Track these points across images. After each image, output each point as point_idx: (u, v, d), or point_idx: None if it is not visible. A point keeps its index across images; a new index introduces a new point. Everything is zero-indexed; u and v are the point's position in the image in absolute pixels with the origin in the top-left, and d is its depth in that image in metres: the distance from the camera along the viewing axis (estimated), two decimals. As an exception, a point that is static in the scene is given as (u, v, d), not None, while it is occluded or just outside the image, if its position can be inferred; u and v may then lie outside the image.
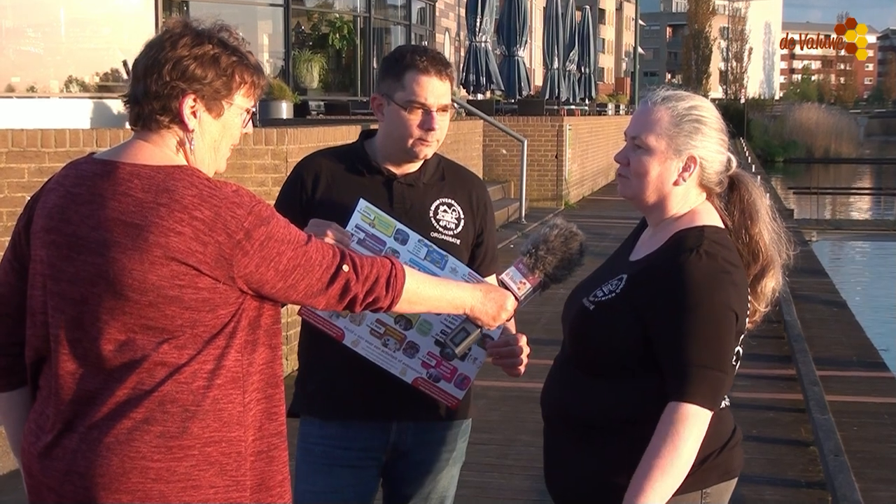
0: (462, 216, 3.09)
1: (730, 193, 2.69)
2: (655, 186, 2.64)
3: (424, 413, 3.01)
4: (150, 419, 2.21)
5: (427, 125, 2.97)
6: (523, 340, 2.94)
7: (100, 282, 2.22)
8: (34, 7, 11.59)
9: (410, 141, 2.99)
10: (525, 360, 2.94)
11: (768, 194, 2.80)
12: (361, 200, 2.90)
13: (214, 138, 2.35)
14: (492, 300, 2.62)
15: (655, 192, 2.64)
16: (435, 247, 2.91)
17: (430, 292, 2.49)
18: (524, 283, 2.70)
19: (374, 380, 2.91)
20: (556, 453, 2.71)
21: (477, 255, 3.13)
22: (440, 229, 3.05)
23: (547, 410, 2.74)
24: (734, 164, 2.69)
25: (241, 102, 2.36)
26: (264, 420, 2.34)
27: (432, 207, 3.07)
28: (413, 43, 21.29)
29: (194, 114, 2.29)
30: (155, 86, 2.26)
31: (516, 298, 2.69)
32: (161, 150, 2.29)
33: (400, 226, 2.89)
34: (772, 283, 2.69)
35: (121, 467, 2.20)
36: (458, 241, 3.06)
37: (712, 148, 2.63)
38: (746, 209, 2.67)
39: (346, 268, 2.33)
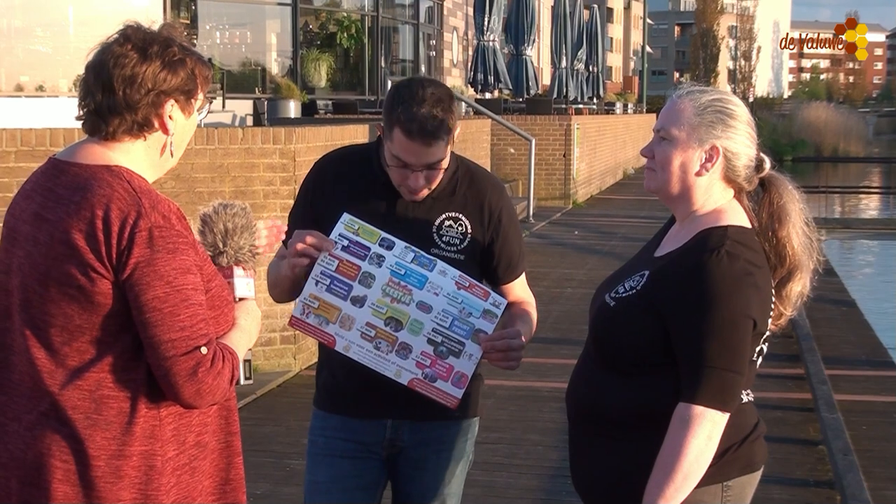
0: (469, 230, 3.04)
1: (761, 194, 2.68)
2: (678, 177, 2.63)
3: (420, 412, 3.00)
4: (58, 418, 2.22)
5: (410, 184, 2.94)
6: (517, 335, 2.93)
7: (18, 274, 2.27)
8: (43, 6, 11.62)
9: (398, 187, 2.98)
10: (518, 356, 2.92)
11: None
12: (345, 214, 2.91)
13: (183, 137, 2.39)
14: (252, 321, 2.48)
15: (679, 183, 2.64)
16: (422, 252, 2.91)
17: (240, 354, 2.39)
18: (244, 281, 2.53)
19: (371, 378, 2.90)
20: (580, 450, 2.72)
21: (490, 265, 3.10)
22: (442, 245, 3.01)
23: (571, 407, 2.74)
24: (768, 164, 2.67)
25: (202, 97, 2.40)
26: (186, 432, 2.31)
27: (437, 222, 3.03)
28: (422, 44, 21.30)
29: (171, 117, 2.33)
30: (137, 95, 2.27)
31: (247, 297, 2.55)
32: (104, 152, 2.31)
33: (385, 234, 2.90)
34: (798, 287, 2.67)
35: (34, 461, 2.22)
36: (462, 257, 3.02)
37: (737, 139, 2.62)
38: (776, 212, 2.65)
39: (204, 350, 2.23)
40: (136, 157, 2.32)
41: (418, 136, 2.85)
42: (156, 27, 2.36)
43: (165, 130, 2.33)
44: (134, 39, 2.30)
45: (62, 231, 2.20)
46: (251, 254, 2.51)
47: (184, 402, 2.25)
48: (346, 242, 2.88)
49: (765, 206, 2.67)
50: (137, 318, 2.21)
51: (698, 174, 2.62)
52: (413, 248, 2.90)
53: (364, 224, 2.90)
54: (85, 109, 2.32)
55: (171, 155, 2.37)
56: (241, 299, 2.48)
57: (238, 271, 2.48)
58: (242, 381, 2.45)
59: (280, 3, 16.37)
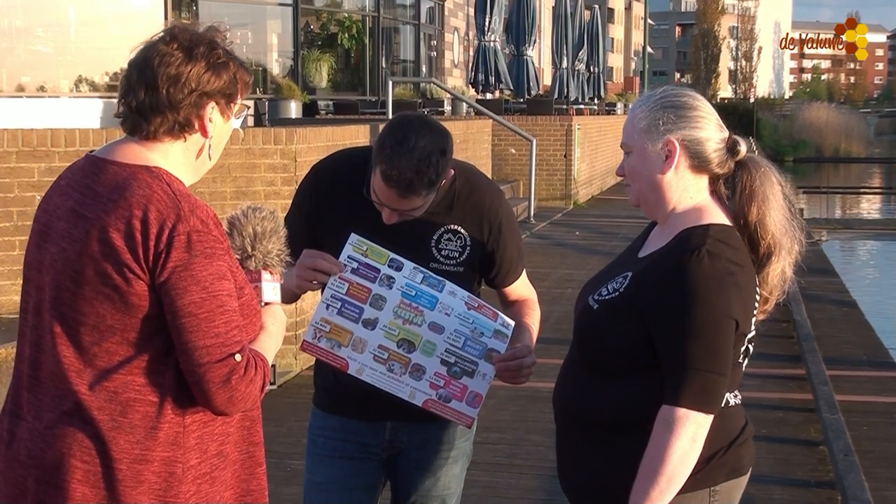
0: (468, 243, 3.03)
1: (736, 179, 2.63)
2: (647, 182, 2.61)
3: (419, 414, 2.98)
4: (81, 418, 2.20)
5: (384, 217, 2.92)
6: (529, 353, 2.94)
7: (51, 270, 2.25)
8: (44, 6, 11.62)
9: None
10: (528, 372, 2.94)
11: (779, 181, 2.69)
12: (353, 235, 2.90)
13: (220, 140, 2.38)
14: (279, 325, 2.47)
15: (649, 188, 2.62)
16: (430, 272, 2.91)
17: (269, 360, 2.38)
18: (271, 285, 2.50)
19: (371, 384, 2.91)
20: (567, 451, 2.71)
21: (489, 272, 3.11)
22: (441, 259, 3.01)
23: (557, 409, 2.73)
24: (743, 147, 2.62)
25: (240, 102, 2.40)
26: (209, 441, 2.30)
27: (435, 236, 3.01)
28: (423, 44, 21.29)
29: (210, 120, 2.32)
30: (180, 95, 2.26)
31: (269, 301, 2.51)
32: (143, 152, 2.29)
33: (393, 255, 2.90)
34: (777, 270, 2.61)
35: (53, 461, 2.21)
36: (461, 269, 3.02)
37: (694, 126, 2.58)
38: (747, 194, 2.60)
39: (238, 357, 2.21)
40: (175, 159, 2.31)
41: (395, 186, 2.83)
42: (200, 28, 2.35)
43: (205, 133, 2.32)
44: (180, 39, 2.29)
45: (100, 229, 2.18)
46: (279, 258, 2.49)
47: (215, 409, 2.24)
48: (355, 265, 2.88)
49: (737, 191, 2.62)
50: (172, 322, 2.19)
51: (662, 172, 2.59)
52: (422, 268, 2.90)
53: (372, 245, 2.89)
54: (125, 107, 2.30)
55: (209, 158, 2.36)
56: (266, 304, 2.46)
57: (266, 275, 2.46)
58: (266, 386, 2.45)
59: (281, 4, 16.38)
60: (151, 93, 2.25)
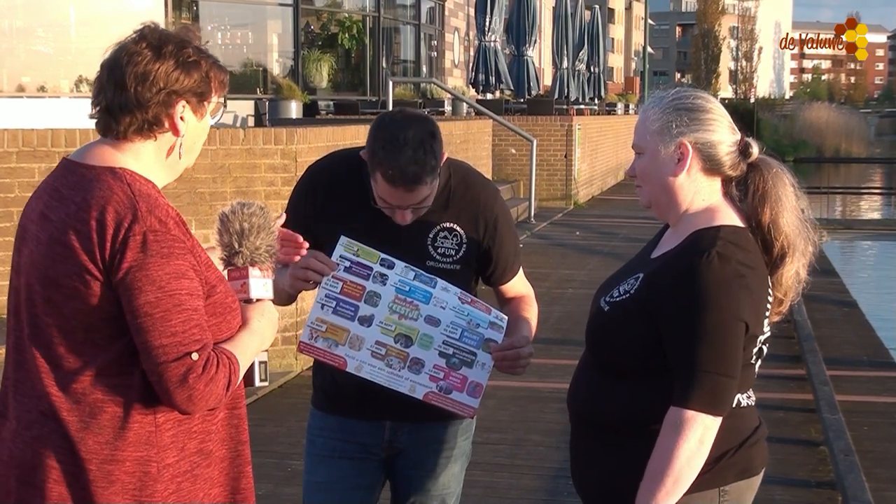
0: (465, 240, 3.03)
1: (748, 181, 2.62)
2: (659, 184, 2.61)
3: (418, 413, 3.00)
4: (55, 419, 2.22)
5: (398, 220, 2.92)
6: (527, 343, 2.94)
7: (24, 273, 2.29)
8: (44, 6, 11.62)
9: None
10: (526, 363, 2.94)
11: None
12: (343, 237, 2.91)
13: (195, 139, 2.38)
14: (267, 322, 2.44)
15: (661, 191, 2.61)
16: (422, 270, 2.92)
17: (249, 357, 2.37)
18: (260, 282, 2.47)
19: (369, 382, 2.91)
20: (580, 453, 2.72)
21: (486, 269, 3.11)
22: (437, 257, 3.01)
23: (572, 411, 2.74)
24: (755, 149, 2.61)
25: (215, 101, 2.39)
26: (186, 439, 2.29)
27: (431, 234, 3.02)
28: (423, 45, 21.29)
29: (182, 118, 2.32)
30: (148, 93, 2.26)
31: (266, 299, 2.49)
32: (113, 153, 2.30)
33: (384, 255, 2.90)
34: (791, 271, 2.60)
35: (32, 461, 2.23)
36: (457, 268, 3.02)
37: (707, 128, 2.57)
38: (759, 195, 2.59)
39: (195, 356, 2.19)
40: (146, 158, 2.31)
41: (400, 183, 2.83)
42: (173, 29, 2.35)
43: (176, 131, 2.32)
44: (150, 38, 2.30)
45: (60, 231, 2.21)
46: (268, 254, 2.47)
47: (177, 408, 2.24)
48: (347, 263, 2.89)
49: (749, 193, 2.61)
50: (130, 322, 2.20)
51: (675, 175, 2.58)
52: (413, 267, 2.91)
53: (362, 246, 2.90)
54: (97, 108, 2.31)
55: (179, 157, 2.35)
56: (257, 300, 2.45)
57: (254, 272, 2.45)
58: (258, 383, 2.43)
59: (281, 4, 16.39)
60: (120, 92, 2.26)
